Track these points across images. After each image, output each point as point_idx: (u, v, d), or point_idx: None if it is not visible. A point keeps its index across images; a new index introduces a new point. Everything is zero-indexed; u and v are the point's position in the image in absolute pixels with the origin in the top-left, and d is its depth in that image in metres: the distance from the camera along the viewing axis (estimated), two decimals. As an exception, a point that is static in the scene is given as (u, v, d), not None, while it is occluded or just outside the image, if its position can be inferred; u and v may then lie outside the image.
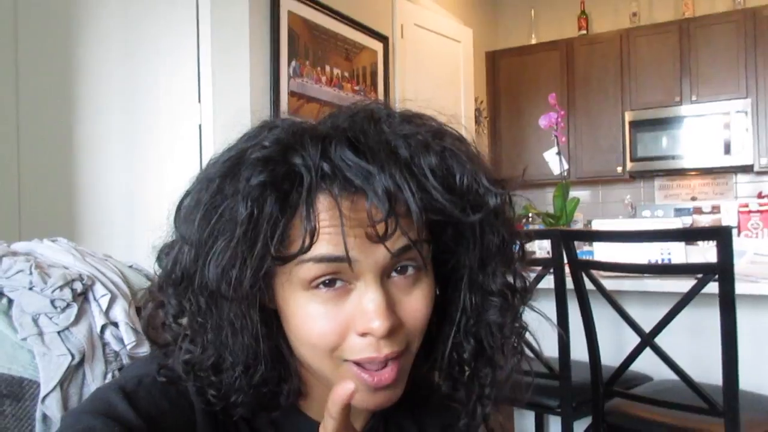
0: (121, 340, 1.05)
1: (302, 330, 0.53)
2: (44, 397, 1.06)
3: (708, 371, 1.62)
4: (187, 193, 0.55)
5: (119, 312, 1.07)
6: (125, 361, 1.03)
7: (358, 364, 0.53)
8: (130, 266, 1.21)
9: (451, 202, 0.51)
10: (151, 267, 0.59)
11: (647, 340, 1.53)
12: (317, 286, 0.52)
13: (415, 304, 0.54)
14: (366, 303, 0.52)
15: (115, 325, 1.07)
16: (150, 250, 0.58)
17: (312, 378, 0.58)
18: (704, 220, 2.13)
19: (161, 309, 0.57)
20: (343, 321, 0.52)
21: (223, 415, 0.55)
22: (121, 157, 2.35)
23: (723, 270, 1.38)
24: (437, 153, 0.51)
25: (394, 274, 0.53)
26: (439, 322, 0.59)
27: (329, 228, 0.50)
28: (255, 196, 0.49)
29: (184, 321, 0.55)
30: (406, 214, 0.50)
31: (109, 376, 1.03)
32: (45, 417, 1.07)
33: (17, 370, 1.09)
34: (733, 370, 1.44)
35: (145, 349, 0.99)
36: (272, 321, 0.55)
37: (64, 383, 1.09)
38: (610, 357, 1.93)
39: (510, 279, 0.58)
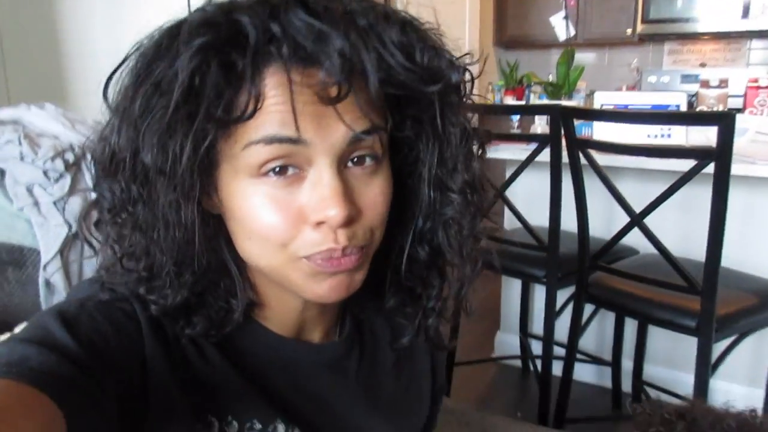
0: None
1: (251, 223, 0.49)
2: (45, 265, 1.09)
3: (692, 247, 1.67)
4: (119, 66, 0.49)
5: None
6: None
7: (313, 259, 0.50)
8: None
9: (411, 72, 0.47)
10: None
11: (637, 220, 1.56)
12: (266, 173, 0.47)
13: (374, 195, 0.50)
14: (321, 189, 0.47)
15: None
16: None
17: (267, 285, 0.55)
18: (710, 95, 2.07)
19: (95, 207, 0.53)
20: (295, 212, 0.48)
21: (173, 337, 0.52)
22: (105, 13, 2.23)
23: (721, 156, 1.38)
24: (398, 24, 0.47)
25: (350, 164, 0.49)
26: (395, 225, 0.56)
27: (280, 106, 0.45)
28: (196, 61, 0.44)
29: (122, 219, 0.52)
30: (362, 89, 0.46)
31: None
32: (48, 283, 1.10)
33: (16, 238, 1.10)
34: (717, 250, 1.48)
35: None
36: (214, 228, 0.52)
37: (63, 251, 1.11)
38: (601, 230, 1.98)
39: (469, 177, 0.55)
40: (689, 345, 2.18)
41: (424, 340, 0.62)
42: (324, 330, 0.61)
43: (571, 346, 1.85)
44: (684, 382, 2.17)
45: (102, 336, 0.47)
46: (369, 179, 0.50)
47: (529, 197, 2.01)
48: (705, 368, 1.56)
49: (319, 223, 0.48)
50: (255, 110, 0.45)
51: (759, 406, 1.94)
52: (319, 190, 0.48)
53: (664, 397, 2.08)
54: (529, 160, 1.79)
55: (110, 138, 0.49)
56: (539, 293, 2.38)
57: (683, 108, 1.96)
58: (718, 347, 1.68)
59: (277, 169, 0.47)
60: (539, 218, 1.86)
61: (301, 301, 0.57)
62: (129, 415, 0.47)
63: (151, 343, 0.50)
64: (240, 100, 0.45)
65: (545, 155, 1.77)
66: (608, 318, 2.26)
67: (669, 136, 1.99)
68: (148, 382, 0.49)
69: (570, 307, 1.92)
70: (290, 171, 0.48)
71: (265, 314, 0.57)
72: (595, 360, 2.32)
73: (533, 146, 1.79)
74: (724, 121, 1.36)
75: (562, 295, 2.01)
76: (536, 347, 2.29)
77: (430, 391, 0.71)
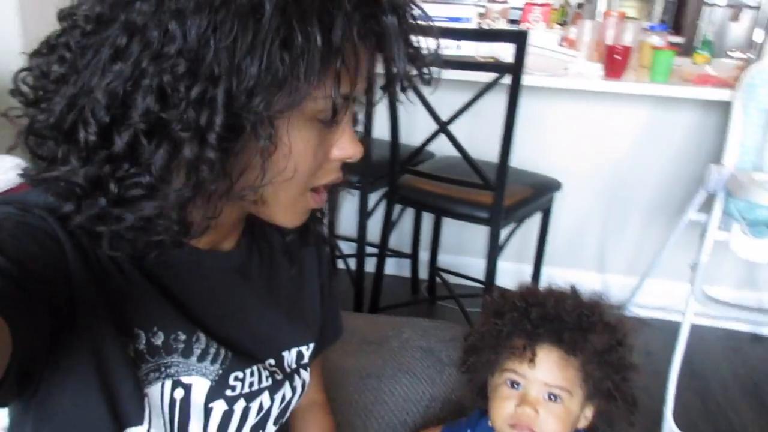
0: None
1: (303, 160, 0.53)
2: None
3: (483, 149, 1.90)
4: None
5: None
6: None
7: (316, 189, 0.57)
8: None
9: None
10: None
11: (444, 127, 1.73)
12: (320, 120, 0.53)
13: None
14: (350, 133, 0.56)
15: None
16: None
17: (229, 214, 0.57)
18: (495, 9, 2.29)
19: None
20: (328, 149, 0.56)
21: (92, 254, 0.51)
22: None
23: (516, 70, 1.57)
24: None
25: None
26: None
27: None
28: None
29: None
30: None
31: None
32: None
33: None
34: (507, 152, 1.72)
35: None
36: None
37: None
38: (404, 137, 2.13)
39: None
40: (475, 234, 2.51)
41: (308, 237, 0.69)
42: (232, 241, 0.65)
43: (384, 244, 2.03)
44: (471, 265, 2.53)
45: (26, 253, 0.46)
46: None
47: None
48: (495, 252, 1.84)
49: (339, 160, 0.56)
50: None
51: (528, 278, 2.35)
52: (348, 133, 0.56)
53: (456, 279, 2.41)
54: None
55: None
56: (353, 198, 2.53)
57: (474, 20, 2.15)
58: (504, 233, 1.97)
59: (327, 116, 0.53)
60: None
61: (239, 222, 0.61)
62: (59, 331, 0.47)
63: (73, 259, 0.49)
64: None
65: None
66: (407, 216, 2.49)
67: (458, 47, 2.18)
68: (74, 297, 0.49)
69: (375, 208, 2.09)
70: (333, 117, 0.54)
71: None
72: (396, 254, 2.56)
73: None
74: (520, 39, 1.55)
75: (373, 198, 2.16)
76: (343, 247, 2.45)
77: (319, 286, 0.77)
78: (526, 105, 1.74)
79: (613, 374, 0.77)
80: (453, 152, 1.87)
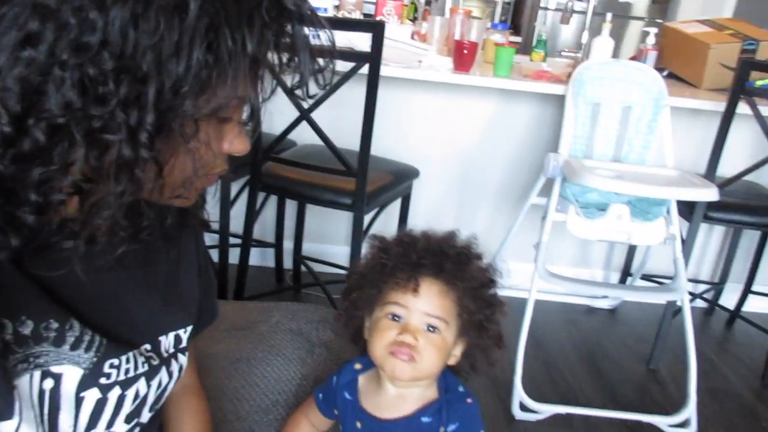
0: None
1: (207, 153, 0.54)
2: None
3: (344, 137, 1.95)
4: None
5: None
6: None
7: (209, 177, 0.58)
8: None
9: None
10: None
11: (306, 115, 1.74)
12: (224, 119, 0.54)
13: None
14: (241, 130, 0.57)
15: None
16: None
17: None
18: (349, 1, 2.34)
19: None
20: (220, 144, 0.56)
21: None
22: None
23: (374, 59, 1.62)
24: None
25: None
26: None
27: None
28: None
29: None
30: None
31: None
32: None
33: None
34: (368, 139, 1.77)
35: None
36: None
37: None
38: (265, 125, 2.12)
39: None
40: (338, 221, 2.56)
41: (188, 219, 0.68)
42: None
43: (247, 233, 2.00)
44: (335, 253, 2.57)
45: None
46: None
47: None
48: (359, 237, 1.89)
49: (228, 152, 0.57)
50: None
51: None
52: (239, 128, 0.57)
53: (320, 267, 2.44)
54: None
55: None
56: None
57: (329, 11, 2.18)
58: (366, 219, 2.03)
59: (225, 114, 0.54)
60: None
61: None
62: None
63: None
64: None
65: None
66: (269, 205, 2.48)
67: (316, 37, 2.20)
68: None
69: (237, 197, 2.06)
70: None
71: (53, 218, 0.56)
72: (260, 243, 2.53)
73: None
74: (377, 29, 1.60)
75: (236, 186, 2.12)
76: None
77: (197, 269, 0.76)
78: (383, 95, 1.81)
79: (485, 308, 0.84)
80: (315, 140, 1.89)
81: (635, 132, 2.13)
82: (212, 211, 2.11)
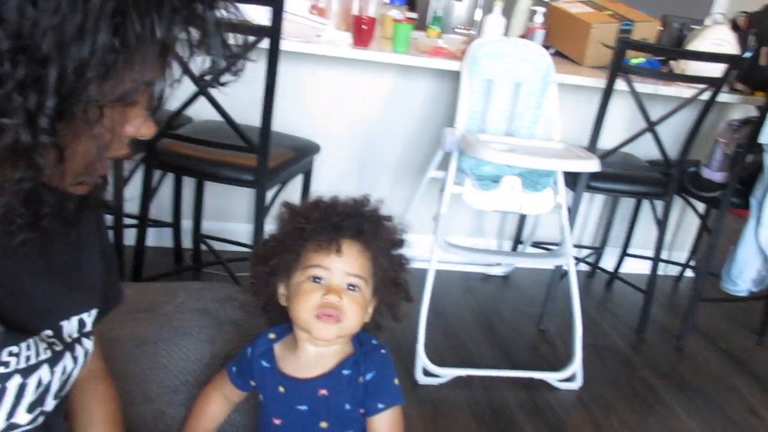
0: None
1: (117, 128, 0.52)
2: None
3: (244, 113, 1.91)
4: None
5: None
6: None
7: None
8: None
9: None
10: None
11: (204, 90, 1.69)
12: (130, 104, 0.53)
13: None
14: (145, 114, 0.55)
15: None
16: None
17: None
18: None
19: None
20: (122, 126, 0.54)
21: None
22: None
23: (274, 33, 1.60)
24: None
25: None
26: None
27: None
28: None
29: None
30: None
31: None
32: None
33: None
34: (269, 114, 1.75)
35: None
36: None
37: None
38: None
39: None
40: (239, 198, 2.52)
41: (88, 201, 0.66)
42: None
43: (144, 213, 1.93)
44: (236, 230, 2.53)
45: None
46: None
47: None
48: (262, 214, 1.88)
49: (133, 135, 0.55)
50: None
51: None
52: (143, 114, 0.55)
53: (221, 246, 2.39)
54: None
55: None
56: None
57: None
58: (268, 196, 2.02)
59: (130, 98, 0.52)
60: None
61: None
62: None
63: None
64: None
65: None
66: (166, 182, 2.39)
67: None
68: None
69: (132, 175, 1.98)
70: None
71: None
72: (157, 223, 2.45)
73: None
74: (276, 3, 1.58)
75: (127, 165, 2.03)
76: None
77: (99, 251, 0.74)
78: (283, 70, 1.79)
79: (397, 267, 0.90)
80: (213, 116, 1.84)
81: (525, 107, 2.25)
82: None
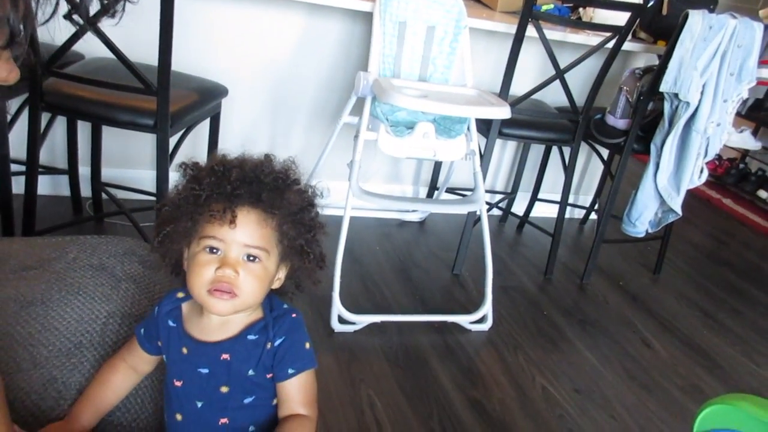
0: None
1: None
2: None
3: (139, 51, 1.77)
4: None
5: None
6: None
7: None
8: None
9: None
10: None
11: (92, 24, 1.54)
12: None
13: None
14: (4, 56, 0.52)
15: None
16: None
17: None
18: None
19: None
20: None
21: None
22: None
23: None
24: None
25: None
26: None
27: None
28: None
29: None
30: None
31: None
32: None
33: None
34: (167, 53, 1.63)
35: None
36: None
37: None
38: (42, 33, 1.85)
39: None
40: (142, 143, 2.37)
41: None
42: None
43: (32, 158, 1.78)
44: (139, 178, 2.40)
45: None
46: None
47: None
48: (165, 161, 1.77)
49: None
50: None
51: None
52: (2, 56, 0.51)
53: (124, 194, 2.27)
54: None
55: None
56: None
57: None
58: (172, 141, 1.91)
59: None
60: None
61: None
62: None
63: None
64: None
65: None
66: (58, 126, 2.22)
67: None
68: None
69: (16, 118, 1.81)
70: None
71: None
72: (50, 170, 2.27)
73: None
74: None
75: (16, 104, 1.85)
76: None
77: None
78: (183, 5, 1.66)
79: (305, 233, 0.83)
80: (105, 53, 1.70)
81: (439, 52, 2.21)
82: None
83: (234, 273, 0.77)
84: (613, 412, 1.89)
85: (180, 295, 0.86)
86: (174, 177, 1.70)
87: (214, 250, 0.78)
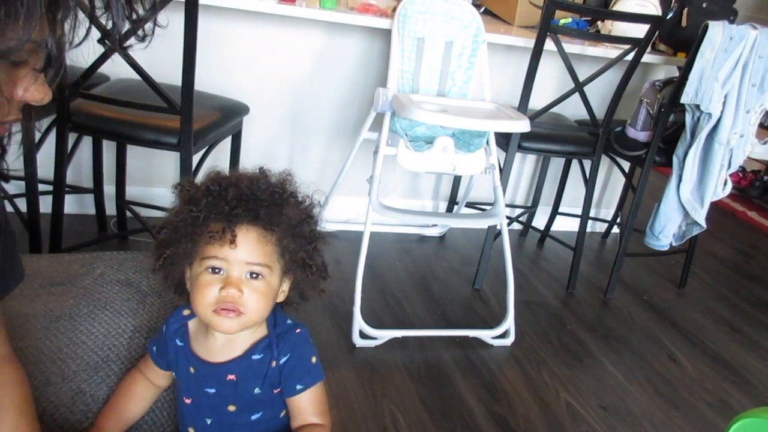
0: None
1: None
2: None
3: (163, 72, 1.81)
4: None
5: None
6: None
7: None
8: None
9: None
10: None
11: (122, 47, 1.58)
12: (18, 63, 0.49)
13: None
14: (38, 77, 0.50)
15: None
16: None
17: None
18: None
19: None
20: (13, 89, 0.50)
21: None
22: None
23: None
24: None
25: None
26: None
27: None
28: None
29: None
30: None
31: None
32: None
33: None
34: (191, 73, 1.66)
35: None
36: None
37: None
38: (71, 56, 1.90)
39: None
40: (164, 162, 2.41)
41: None
42: None
43: (59, 178, 1.81)
44: (162, 195, 2.42)
45: None
46: None
47: None
48: (188, 178, 1.79)
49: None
50: None
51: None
52: (35, 77, 0.51)
53: (148, 212, 2.30)
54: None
55: None
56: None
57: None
58: (195, 159, 1.93)
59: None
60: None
61: None
62: None
63: None
64: None
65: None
66: (84, 146, 2.26)
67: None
68: None
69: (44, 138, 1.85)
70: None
71: None
72: (76, 189, 2.32)
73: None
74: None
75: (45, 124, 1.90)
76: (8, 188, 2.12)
77: None
78: (206, 26, 1.69)
79: (306, 245, 0.83)
80: (129, 75, 1.73)
81: (457, 67, 2.23)
82: (14, 155, 1.89)
83: (238, 292, 0.77)
84: (640, 428, 1.86)
85: (186, 312, 0.87)
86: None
87: (217, 270, 0.78)
